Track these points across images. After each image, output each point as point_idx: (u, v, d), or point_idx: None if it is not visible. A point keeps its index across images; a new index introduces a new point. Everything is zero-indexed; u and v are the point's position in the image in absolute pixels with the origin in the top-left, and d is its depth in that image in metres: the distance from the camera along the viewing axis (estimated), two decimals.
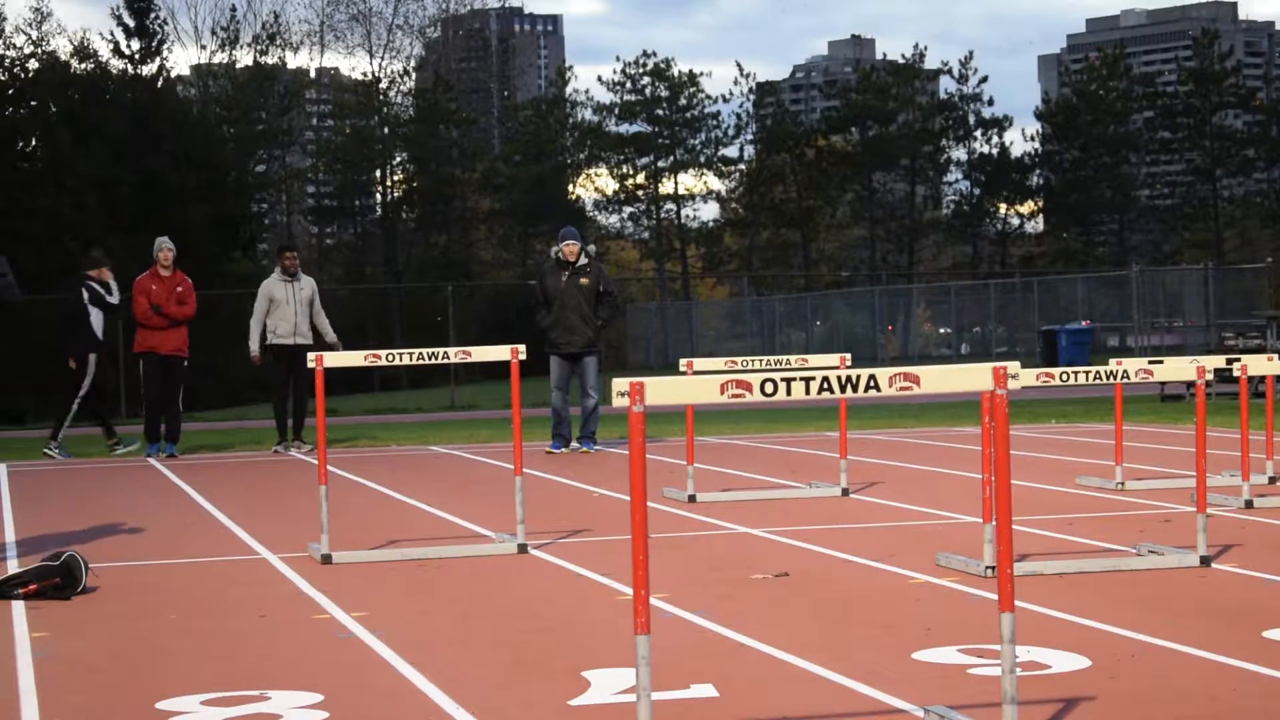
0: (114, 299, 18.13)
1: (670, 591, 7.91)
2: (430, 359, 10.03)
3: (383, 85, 69.72)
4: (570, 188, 73.11)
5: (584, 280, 16.79)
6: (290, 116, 69.35)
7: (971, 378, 5.08)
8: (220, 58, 67.57)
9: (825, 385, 4.82)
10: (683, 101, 71.14)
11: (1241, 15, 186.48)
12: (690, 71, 71.38)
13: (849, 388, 4.84)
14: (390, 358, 9.85)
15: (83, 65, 54.70)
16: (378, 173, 71.29)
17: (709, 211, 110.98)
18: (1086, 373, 8.86)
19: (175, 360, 17.82)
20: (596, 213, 73.58)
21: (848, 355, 12.26)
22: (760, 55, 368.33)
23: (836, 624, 7.27)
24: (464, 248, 69.58)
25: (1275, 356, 10.80)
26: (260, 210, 67.20)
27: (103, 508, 12.81)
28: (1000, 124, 71.57)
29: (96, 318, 18.08)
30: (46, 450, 17.92)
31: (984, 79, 72.42)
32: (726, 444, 17.67)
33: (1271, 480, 12.35)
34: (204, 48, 68.45)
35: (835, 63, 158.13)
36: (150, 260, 18.01)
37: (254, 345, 17.65)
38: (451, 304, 36.45)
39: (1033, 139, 74.41)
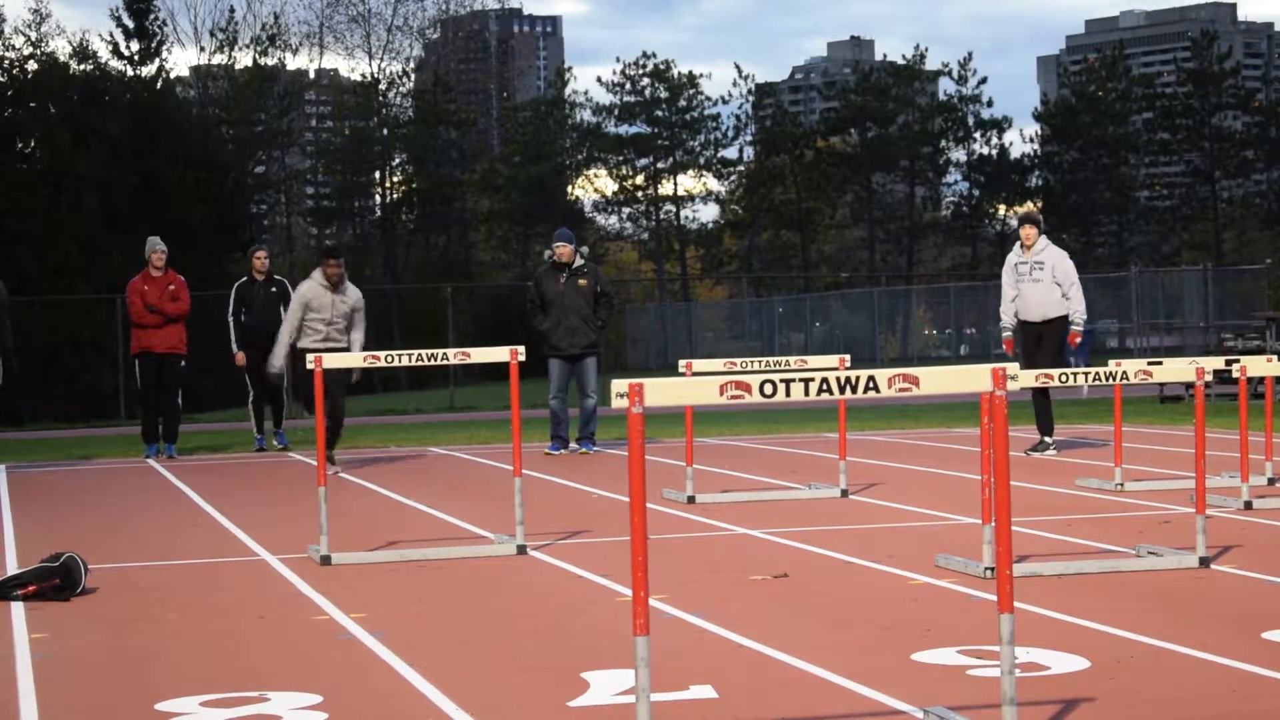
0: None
1: (669, 593, 7.91)
2: (429, 360, 10.04)
3: (382, 87, 69.68)
4: (569, 189, 73.07)
5: (582, 281, 16.78)
6: (290, 118, 69.25)
7: (970, 379, 5.08)
8: (219, 59, 67.49)
9: (824, 386, 4.82)
10: (682, 103, 71.11)
11: (1240, 16, 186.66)
12: (690, 73, 71.39)
13: (848, 389, 4.84)
14: (390, 359, 9.86)
15: (82, 66, 54.68)
16: (377, 174, 71.24)
17: (708, 213, 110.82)
18: (1086, 374, 8.86)
19: (171, 359, 17.81)
20: (596, 214, 73.59)
21: (847, 356, 12.26)
22: (759, 57, 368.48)
23: (836, 625, 7.28)
24: (463, 249, 69.53)
25: (1274, 358, 10.81)
26: (259, 211, 67.15)
27: (102, 508, 12.83)
28: (999, 125, 71.52)
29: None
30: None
31: (983, 80, 72.48)
32: (726, 445, 17.66)
33: (1270, 481, 12.35)
34: (203, 49, 68.39)
35: (834, 64, 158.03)
36: (144, 261, 18.02)
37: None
38: (451, 305, 36.43)
39: (1032, 140, 74.41)
